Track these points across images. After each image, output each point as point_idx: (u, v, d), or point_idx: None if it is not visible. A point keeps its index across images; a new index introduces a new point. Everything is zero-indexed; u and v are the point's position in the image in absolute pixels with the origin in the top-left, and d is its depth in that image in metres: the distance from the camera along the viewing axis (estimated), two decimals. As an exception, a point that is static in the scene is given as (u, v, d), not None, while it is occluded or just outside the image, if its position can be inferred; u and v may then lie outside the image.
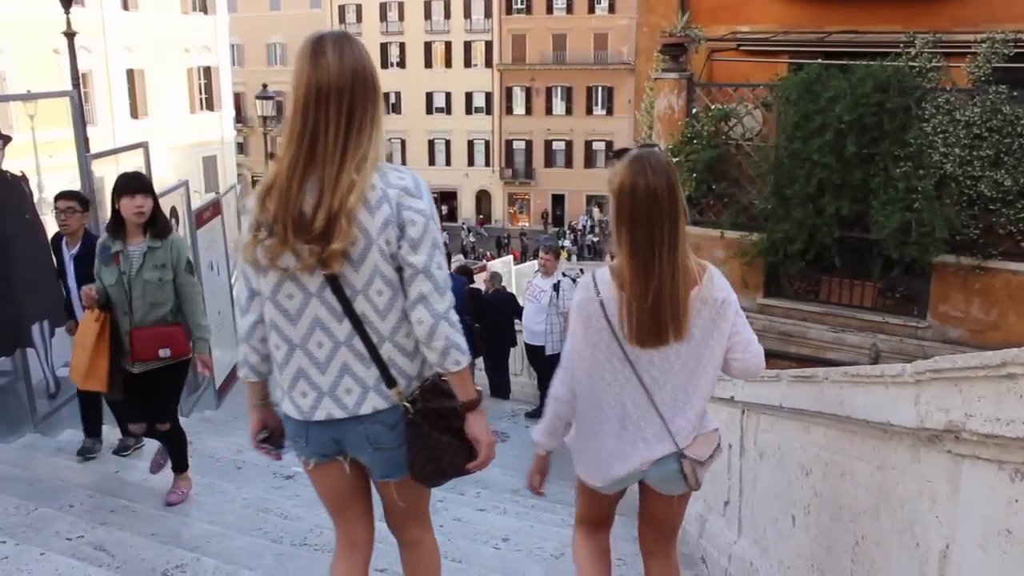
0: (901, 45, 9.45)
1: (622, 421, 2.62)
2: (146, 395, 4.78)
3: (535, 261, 17.81)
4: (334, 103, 2.22)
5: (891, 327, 9.72)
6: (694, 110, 10.76)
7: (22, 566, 3.17)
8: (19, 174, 6.10)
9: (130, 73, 30.22)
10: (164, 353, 4.69)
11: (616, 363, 2.56)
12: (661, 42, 11.09)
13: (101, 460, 5.67)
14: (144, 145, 7.56)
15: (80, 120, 7.04)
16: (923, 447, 2.05)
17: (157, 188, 7.76)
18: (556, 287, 8.99)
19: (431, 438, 2.34)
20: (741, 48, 12.01)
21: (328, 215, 2.16)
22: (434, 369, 2.32)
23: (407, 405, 2.31)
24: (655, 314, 2.46)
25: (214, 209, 9.46)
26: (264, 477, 6.00)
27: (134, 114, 30.36)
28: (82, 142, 6.84)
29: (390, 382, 2.31)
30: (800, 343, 10.35)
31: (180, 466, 4.99)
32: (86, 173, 6.73)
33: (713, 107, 10.59)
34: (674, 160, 10.58)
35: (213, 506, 4.70)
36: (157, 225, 4.85)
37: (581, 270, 27.80)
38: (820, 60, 9.98)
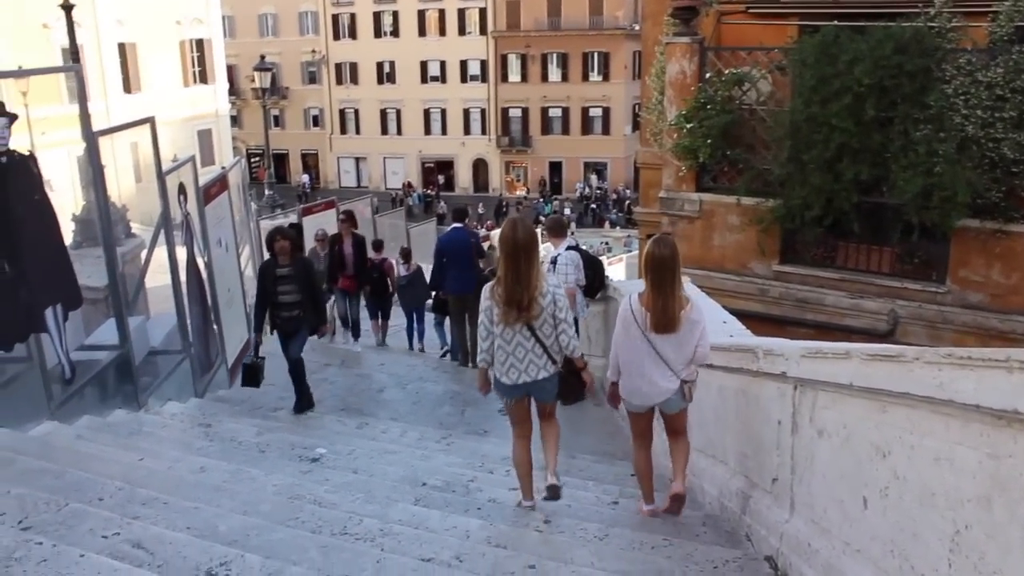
0: (919, 5, 9.20)
1: (643, 371, 4.98)
2: None
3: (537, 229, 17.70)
4: (523, 252, 4.85)
5: (909, 292, 9.59)
6: (707, 75, 10.54)
7: (62, 570, 3.03)
8: (27, 153, 5.87)
9: (122, 47, 29.76)
10: None
11: (639, 343, 4.95)
12: (672, 5, 10.85)
13: (123, 447, 5.53)
14: (151, 120, 7.34)
15: (83, 96, 6.81)
16: (1057, 437, 1.90)
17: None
18: (554, 261, 8.79)
19: (570, 380, 5.23)
20: (750, 11, 11.79)
21: (528, 300, 4.85)
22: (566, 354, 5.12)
23: (561, 371, 5.14)
24: (663, 316, 4.85)
25: (221, 184, 9.24)
26: (290, 461, 5.89)
27: (127, 88, 29.94)
28: (87, 118, 6.60)
29: (553, 362, 5.06)
30: (817, 310, 10.23)
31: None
32: (93, 150, 6.52)
33: (726, 71, 10.37)
34: (688, 126, 10.39)
35: (245, 495, 4.56)
36: None
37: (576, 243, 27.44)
38: (832, 22, 9.73)
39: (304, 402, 8.31)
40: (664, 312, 4.82)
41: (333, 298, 12.45)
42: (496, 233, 29.27)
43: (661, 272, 4.83)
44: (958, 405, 2.35)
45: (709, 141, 10.26)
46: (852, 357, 3.16)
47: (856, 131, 9.05)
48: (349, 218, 12.55)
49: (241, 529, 3.82)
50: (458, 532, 4.35)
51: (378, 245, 13.62)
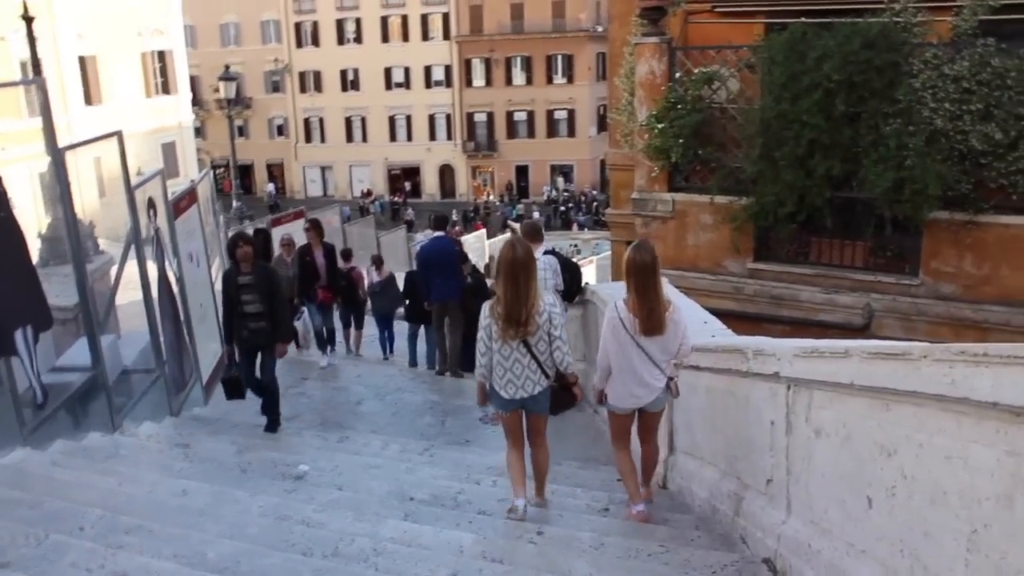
0: (885, 1, 9.27)
1: (633, 373, 5.19)
2: None
3: (507, 234, 17.69)
4: (521, 270, 5.06)
5: (883, 286, 9.64)
6: (676, 74, 10.53)
7: (47, 605, 2.90)
8: (-10, 171, 5.68)
9: (82, 60, 29.29)
10: None
11: (629, 346, 5.15)
12: (640, 6, 10.84)
13: (100, 472, 5.37)
14: (118, 134, 7.17)
15: (48, 110, 6.61)
16: (1084, 435, 1.87)
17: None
18: None
19: (560, 394, 5.40)
20: (716, 10, 11.80)
21: (527, 317, 5.07)
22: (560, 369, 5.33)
23: (554, 384, 5.33)
24: (650, 319, 5.06)
25: (190, 198, 9.06)
26: (273, 479, 5.76)
27: (88, 101, 29.47)
28: (52, 133, 6.42)
29: (547, 377, 5.27)
30: (792, 306, 10.24)
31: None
32: (60, 166, 6.34)
33: (696, 71, 10.37)
34: (659, 126, 10.37)
35: (231, 518, 4.43)
36: None
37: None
38: (800, 20, 9.76)
39: (275, 423, 8.04)
40: (651, 316, 5.05)
41: (305, 312, 12.01)
42: (466, 239, 29.22)
43: (644, 277, 5.04)
44: (973, 403, 2.31)
45: (680, 141, 10.25)
46: (852, 356, 3.12)
47: (826, 127, 9.07)
48: (315, 227, 12.03)
49: (231, 555, 3.70)
50: (452, 548, 4.26)
51: (347, 254, 13.47)
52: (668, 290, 5.76)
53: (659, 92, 10.53)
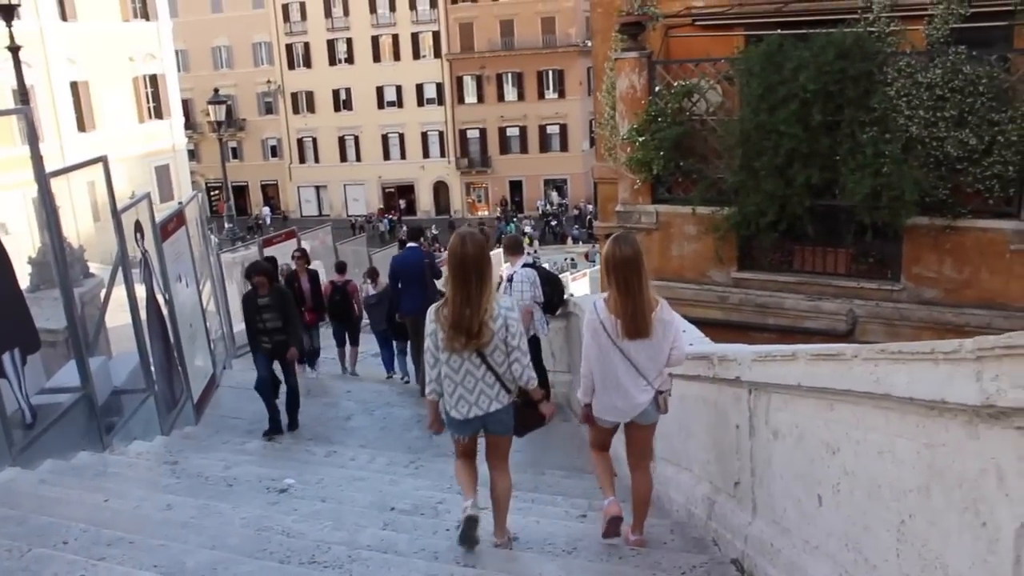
0: (859, 11, 9.44)
1: (618, 384, 4.57)
2: None
3: (499, 250, 17.74)
4: (473, 268, 4.36)
5: (866, 292, 9.77)
6: (656, 88, 10.69)
7: (26, 614, 3.01)
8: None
9: (74, 85, 29.51)
10: None
11: (612, 353, 4.53)
12: (619, 21, 10.99)
13: (88, 490, 5.47)
14: (104, 159, 7.30)
15: (34, 137, 6.76)
16: (983, 423, 1.98)
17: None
18: (510, 279, 8.85)
19: (525, 412, 4.68)
20: (696, 23, 11.96)
21: (478, 325, 4.35)
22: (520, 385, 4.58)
23: (516, 400, 4.60)
24: (634, 321, 4.43)
25: (178, 220, 9.20)
26: (258, 493, 5.86)
27: (81, 127, 29.69)
28: (38, 160, 6.55)
29: (507, 391, 4.54)
30: (777, 314, 10.36)
31: None
32: (45, 192, 6.47)
33: (676, 84, 10.53)
34: (640, 139, 10.51)
35: (212, 529, 4.54)
36: None
37: (535, 258, 27.36)
38: (777, 31, 9.93)
39: (296, 422, 9.12)
40: (635, 317, 4.40)
41: None
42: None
43: (626, 272, 4.41)
44: (895, 399, 2.43)
45: (662, 153, 10.38)
46: (798, 358, 3.25)
47: (804, 136, 9.21)
48: (303, 256, 13.05)
49: (208, 564, 3.81)
50: (426, 554, 4.36)
51: (341, 267, 13.51)
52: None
53: (640, 106, 10.67)
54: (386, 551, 4.33)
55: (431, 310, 4.52)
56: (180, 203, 10.20)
